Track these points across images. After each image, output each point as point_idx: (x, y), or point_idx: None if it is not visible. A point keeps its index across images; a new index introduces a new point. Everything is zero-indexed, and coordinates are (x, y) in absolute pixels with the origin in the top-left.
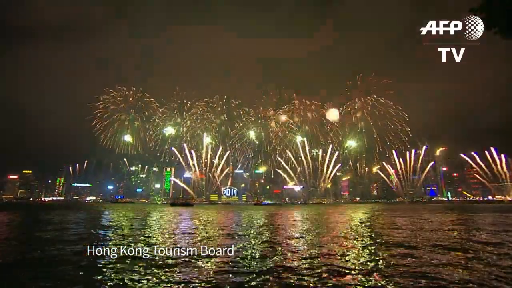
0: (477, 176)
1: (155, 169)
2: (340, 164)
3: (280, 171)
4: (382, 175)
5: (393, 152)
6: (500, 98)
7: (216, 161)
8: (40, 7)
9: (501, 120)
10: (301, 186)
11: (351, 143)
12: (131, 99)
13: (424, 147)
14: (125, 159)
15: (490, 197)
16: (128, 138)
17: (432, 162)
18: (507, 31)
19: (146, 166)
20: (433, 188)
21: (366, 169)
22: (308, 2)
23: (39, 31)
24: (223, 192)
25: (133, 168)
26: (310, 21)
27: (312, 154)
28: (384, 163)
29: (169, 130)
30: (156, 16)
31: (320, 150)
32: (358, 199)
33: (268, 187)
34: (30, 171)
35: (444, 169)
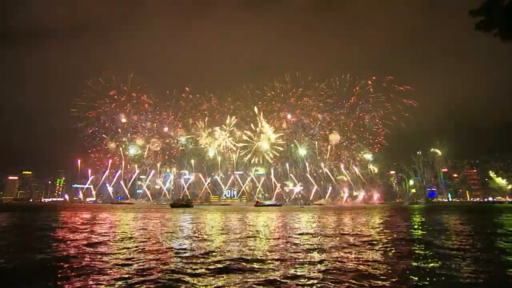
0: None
1: (163, 172)
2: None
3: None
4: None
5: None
6: (501, 99)
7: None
8: (43, 10)
9: (501, 120)
10: (301, 188)
11: (368, 157)
12: (146, 105)
13: (419, 152)
14: (124, 162)
15: (490, 198)
16: (133, 150)
17: (445, 170)
18: (506, 33)
19: (147, 167)
20: (433, 189)
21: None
22: (314, 2)
23: (42, 33)
24: (224, 193)
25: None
26: (316, 21)
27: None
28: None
29: (181, 136)
30: (161, 20)
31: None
32: (358, 200)
33: (268, 188)
34: (30, 172)
35: (445, 170)
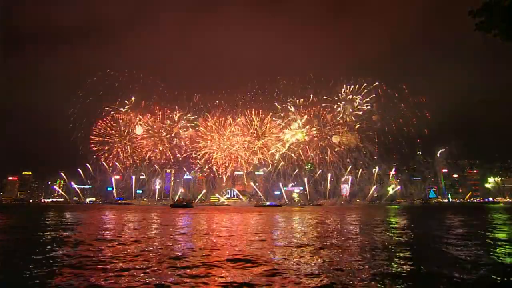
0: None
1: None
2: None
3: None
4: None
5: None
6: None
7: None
8: (51, 11)
9: (502, 121)
10: (301, 188)
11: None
12: (159, 115)
13: (419, 152)
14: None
15: (490, 198)
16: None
17: (444, 170)
18: (506, 34)
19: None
20: (433, 189)
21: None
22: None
23: (46, 34)
24: (224, 193)
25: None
26: (324, 23)
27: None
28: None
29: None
30: (168, 19)
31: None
32: (358, 200)
33: (268, 188)
34: (30, 173)
35: (445, 170)
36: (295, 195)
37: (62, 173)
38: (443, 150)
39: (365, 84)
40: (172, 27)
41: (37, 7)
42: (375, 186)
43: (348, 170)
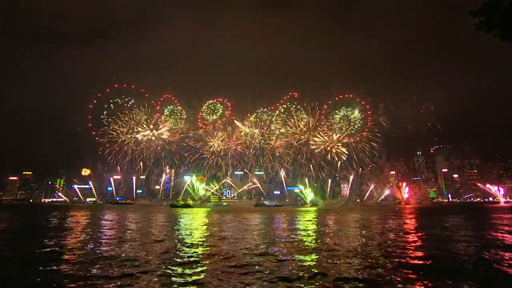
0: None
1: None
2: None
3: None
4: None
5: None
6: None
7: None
8: (53, 12)
9: (502, 121)
10: (301, 187)
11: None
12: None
13: (419, 152)
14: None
15: (490, 198)
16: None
17: (445, 170)
18: (506, 34)
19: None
20: (433, 189)
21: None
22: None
23: (54, 35)
24: (224, 193)
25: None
26: (327, 23)
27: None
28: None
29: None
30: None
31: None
32: (358, 200)
33: (268, 188)
34: (30, 172)
35: (445, 170)
36: (295, 194)
37: (62, 173)
38: (437, 147)
39: (377, 81)
40: (179, 28)
41: (43, 8)
42: (385, 187)
43: (349, 170)
